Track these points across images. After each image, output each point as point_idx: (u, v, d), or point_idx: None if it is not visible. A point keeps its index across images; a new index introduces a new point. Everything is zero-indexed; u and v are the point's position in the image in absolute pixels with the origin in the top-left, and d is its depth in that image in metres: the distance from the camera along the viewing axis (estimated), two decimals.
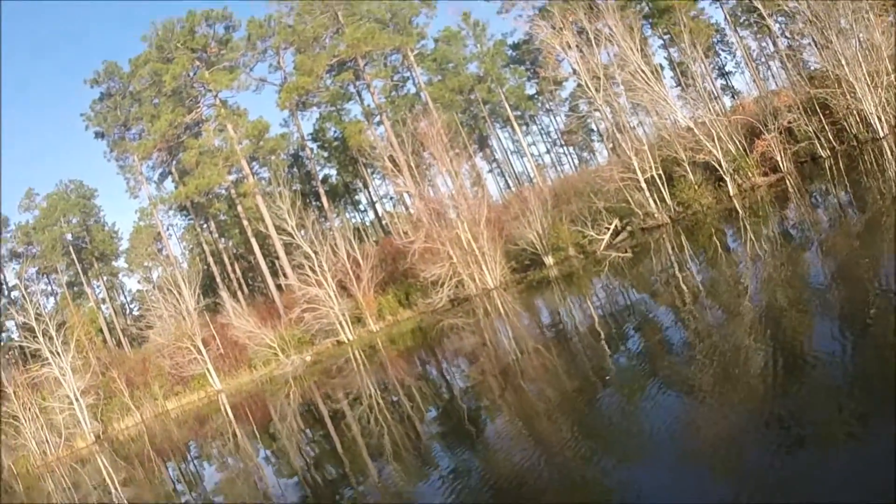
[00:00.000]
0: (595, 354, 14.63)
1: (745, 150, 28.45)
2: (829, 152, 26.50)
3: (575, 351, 15.97)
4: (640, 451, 8.25)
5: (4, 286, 61.59)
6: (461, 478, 10.10)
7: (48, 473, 28.22)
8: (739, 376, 9.12)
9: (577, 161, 78.33)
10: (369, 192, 69.09)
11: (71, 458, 31.98)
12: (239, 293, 58.18)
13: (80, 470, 27.38)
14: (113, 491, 19.57)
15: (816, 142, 26.78)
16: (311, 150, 60.19)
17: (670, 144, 30.27)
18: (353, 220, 70.94)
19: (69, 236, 65.51)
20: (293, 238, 39.47)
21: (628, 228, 31.26)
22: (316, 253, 38.18)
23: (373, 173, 62.24)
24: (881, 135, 24.69)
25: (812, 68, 30.86)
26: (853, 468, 5.74)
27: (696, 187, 29.25)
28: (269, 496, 14.10)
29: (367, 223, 72.53)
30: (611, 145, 50.23)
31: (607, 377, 12.29)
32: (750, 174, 28.11)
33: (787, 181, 26.10)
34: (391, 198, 71.13)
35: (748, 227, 21.49)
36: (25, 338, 37.69)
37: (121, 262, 71.94)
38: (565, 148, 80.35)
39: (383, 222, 67.86)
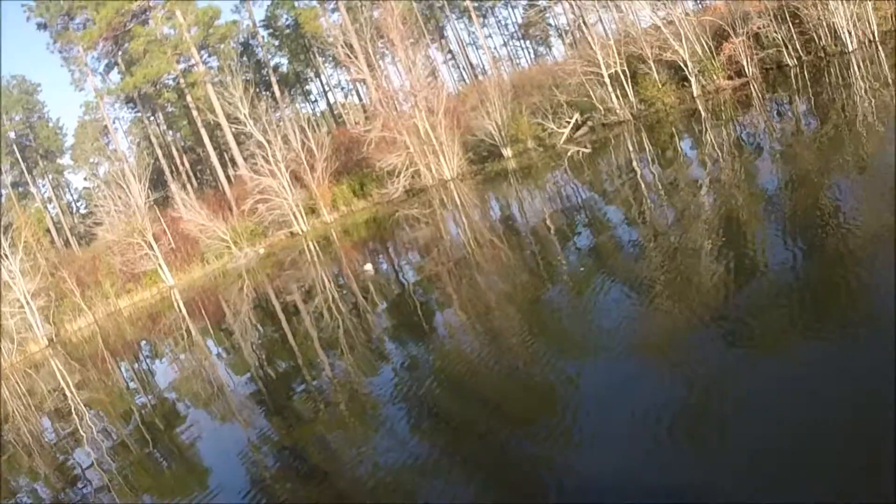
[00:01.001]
0: (549, 249, 14.62)
1: (711, 52, 27.95)
2: (796, 61, 26.13)
3: (529, 244, 15.97)
4: (589, 347, 8.29)
5: None
6: (412, 370, 10.16)
7: (2, 381, 27.84)
8: (690, 277, 9.13)
9: (533, 55, 76.72)
10: (321, 82, 67.03)
11: (24, 364, 31.41)
12: (188, 186, 56.81)
13: (35, 375, 27.02)
14: (68, 394, 19.38)
15: (784, 50, 26.31)
16: (263, 37, 57.58)
17: (635, 41, 29.59)
18: (304, 111, 69.18)
19: (12, 134, 62.52)
20: (245, 126, 38.16)
21: (589, 123, 30.96)
22: (269, 142, 37.07)
23: (325, 62, 60.05)
24: (849, 49, 24.35)
25: None
26: (792, 371, 5.90)
27: (660, 86, 28.86)
28: (223, 391, 14.10)
29: (319, 113, 70.78)
30: (569, 40, 49.04)
31: (560, 272, 12.28)
32: (715, 76, 27.77)
33: (752, 86, 25.83)
34: (343, 88, 69.25)
35: (709, 128, 21.35)
36: None
37: (66, 160, 69.53)
38: (522, 42, 78.40)
39: (335, 112, 66.18)
